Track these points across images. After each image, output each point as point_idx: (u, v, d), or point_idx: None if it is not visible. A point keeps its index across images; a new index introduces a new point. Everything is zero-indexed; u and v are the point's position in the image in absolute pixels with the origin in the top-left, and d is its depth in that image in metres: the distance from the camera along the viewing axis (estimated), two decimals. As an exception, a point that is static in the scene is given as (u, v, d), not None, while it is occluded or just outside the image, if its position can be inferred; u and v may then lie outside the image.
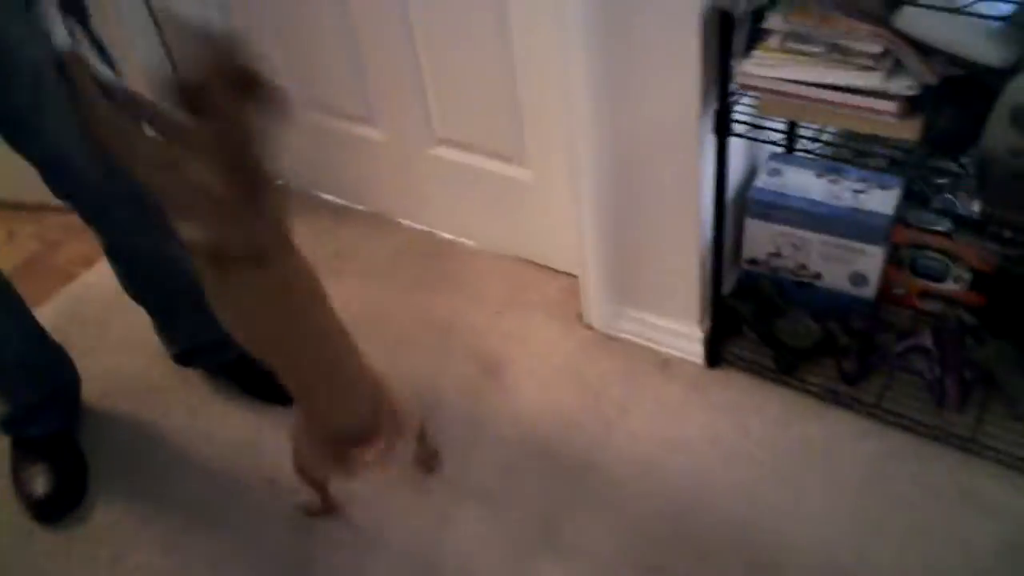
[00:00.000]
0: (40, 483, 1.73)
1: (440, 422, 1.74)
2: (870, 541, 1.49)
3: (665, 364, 1.83)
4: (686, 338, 1.81)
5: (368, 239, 2.27)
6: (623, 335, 1.90)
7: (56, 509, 1.73)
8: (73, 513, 1.73)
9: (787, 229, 1.71)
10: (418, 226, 2.27)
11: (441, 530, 1.60)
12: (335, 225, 2.32)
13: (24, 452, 1.78)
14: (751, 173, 1.77)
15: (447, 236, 2.23)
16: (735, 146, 1.56)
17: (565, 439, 1.73)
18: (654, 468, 1.65)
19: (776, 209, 1.70)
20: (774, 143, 1.69)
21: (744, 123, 1.49)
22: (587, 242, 1.80)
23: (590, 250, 1.81)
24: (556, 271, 2.07)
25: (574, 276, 1.96)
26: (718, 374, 1.80)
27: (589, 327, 1.93)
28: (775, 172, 1.73)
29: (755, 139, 1.56)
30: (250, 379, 1.87)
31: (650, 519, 1.57)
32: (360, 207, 2.36)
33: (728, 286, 1.82)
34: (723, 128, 1.49)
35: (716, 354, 1.80)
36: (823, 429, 1.66)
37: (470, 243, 2.20)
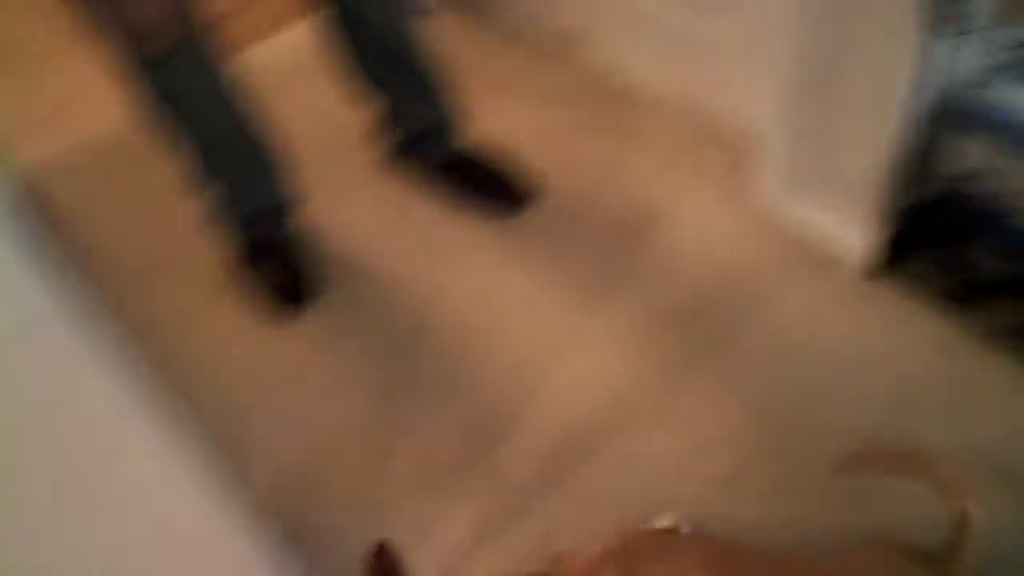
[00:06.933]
0: (276, 276, 1.74)
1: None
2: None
3: (823, 263, 1.70)
4: (852, 240, 1.66)
5: (540, 68, 2.16)
6: (785, 220, 1.76)
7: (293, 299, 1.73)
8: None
9: (998, 148, 1.50)
10: (595, 61, 2.14)
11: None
12: (505, 48, 2.21)
13: (256, 249, 1.77)
14: (965, 79, 1.54)
15: (624, 79, 2.09)
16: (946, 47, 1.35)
17: (696, 311, 1.66)
18: (783, 361, 1.58)
19: (990, 123, 1.48)
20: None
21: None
22: (771, 109, 1.65)
23: (771, 120, 1.67)
24: (730, 138, 1.93)
25: (747, 148, 1.82)
26: (878, 287, 1.66)
27: (751, 203, 1.81)
28: (998, 83, 1.50)
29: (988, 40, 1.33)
30: (472, 177, 1.80)
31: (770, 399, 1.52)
32: (535, 34, 2.23)
33: (911, 198, 1.64)
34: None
35: (882, 265, 1.65)
36: (979, 373, 1.52)
37: (645, 92, 2.06)
